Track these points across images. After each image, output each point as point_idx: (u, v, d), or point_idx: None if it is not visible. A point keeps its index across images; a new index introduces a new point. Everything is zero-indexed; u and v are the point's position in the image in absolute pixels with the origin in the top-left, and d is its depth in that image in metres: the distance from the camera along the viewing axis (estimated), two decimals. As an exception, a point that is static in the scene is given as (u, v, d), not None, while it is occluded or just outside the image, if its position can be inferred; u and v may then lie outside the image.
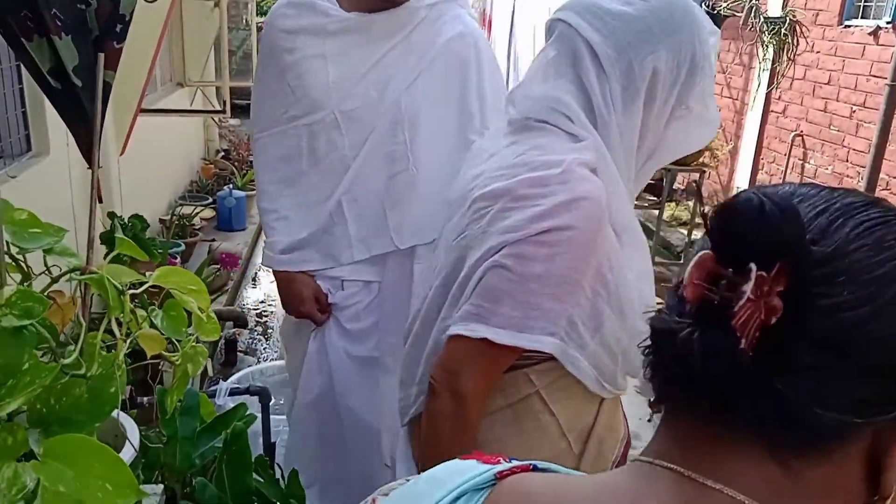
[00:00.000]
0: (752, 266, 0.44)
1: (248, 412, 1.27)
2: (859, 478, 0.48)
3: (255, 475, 1.32)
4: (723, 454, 0.48)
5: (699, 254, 0.47)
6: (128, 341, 0.85)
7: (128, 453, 0.97)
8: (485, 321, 1.10)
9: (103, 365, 0.81)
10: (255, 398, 2.17)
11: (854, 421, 0.46)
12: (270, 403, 2.14)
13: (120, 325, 0.84)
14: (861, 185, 4.45)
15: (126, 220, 2.33)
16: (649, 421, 3.12)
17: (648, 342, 0.51)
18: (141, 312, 0.97)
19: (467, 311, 1.12)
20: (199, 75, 5.65)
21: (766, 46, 5.83)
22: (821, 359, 0.45)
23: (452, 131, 1.75)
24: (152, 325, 0.98)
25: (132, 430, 1.01)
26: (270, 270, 1.96)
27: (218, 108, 5.10)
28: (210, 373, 3.33)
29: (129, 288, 0.87)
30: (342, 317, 1.85)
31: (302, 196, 1.80)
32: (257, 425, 2.09)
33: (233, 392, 2.14)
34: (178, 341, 1.00)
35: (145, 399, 2.03)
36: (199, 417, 1.21)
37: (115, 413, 1.05)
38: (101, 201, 3.18)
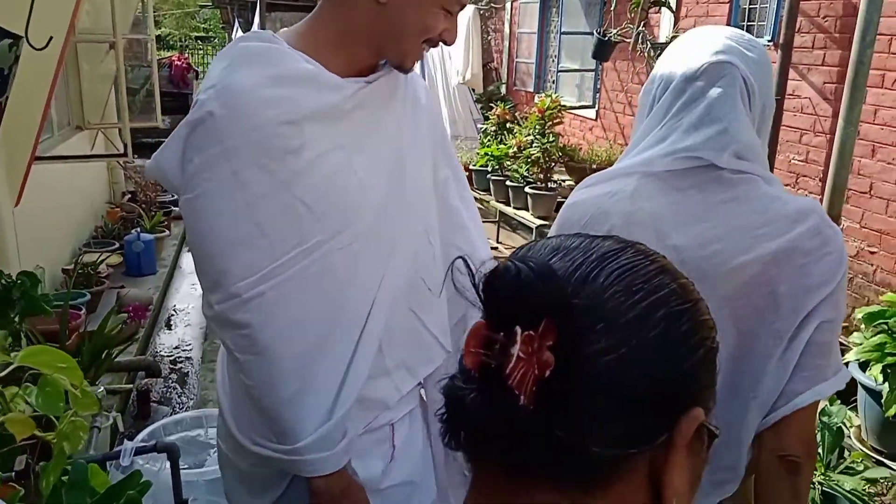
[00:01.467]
0: (517, 329, 0.48)
1: (143, 479, 1.23)
2: (645, 499, 0.53)
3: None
4: (524, 501, 0.52)
5: (473, 324, 0.51)
6: (-9, 428, 0.81)
7: (4, 541, 0.93)
8: (823, 379, 1.13)
9: (-34, 455, 0.78)
10: (165, 454, 2.11)
11: (630, 452, 0.51)
12: (180, 459, 2.07)
13: (-18, 412, 0.80)
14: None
15: (14, 279, 2.23)
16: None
17: (443, 409, 0.54)
18: (14, 390, 0.93)
19: (806, 378, 1.13)
20: (100, 117, 5.48)
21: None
22: (593, 401, 0.50)
23: (443, 199, 1.43)
24: (27, 404, 0.95)
25: (6, 517, 0.97)
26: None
27: (119, 150, 4.95)
28: (121, 428, 3.20)
29: (-5, 370, 0.84)
30: (401, 472, 1.38)
31: (331, 356, 1.23)
32: (169, 482, 2.02)
33: (139, 451, 2.07)
34: (56, 417, 0.96)
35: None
36: (89, 490, 1.16)
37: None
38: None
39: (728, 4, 5.51)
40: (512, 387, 0.48)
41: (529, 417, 0.48)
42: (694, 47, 1.24)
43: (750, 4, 5.39)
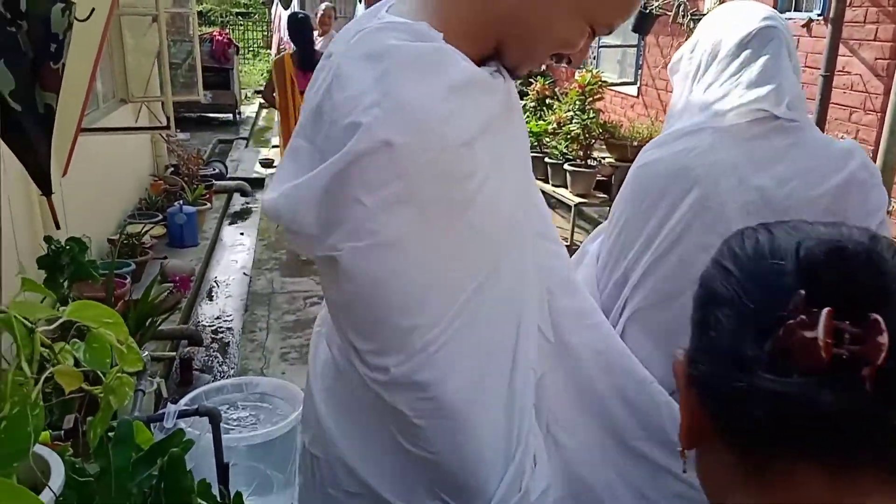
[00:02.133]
0: (878, 318, 0.46)
1: (185, 437, 1.26)
2: None
3: (200, 501, 1.31)
4: (852, 499, 0.50)
5: (824, 311, 0.48)
6: (41, 378, 0.84)
7: (54, 486, 0.96)
8: None
9: (18, 404, 0.80)
10: (207, 419, 2.16)
11: None
12: (221, 424, 2.12)
13: (32, 363, 0.83)
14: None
15: (63, 244, 2.30)
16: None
17: (760, 408, 0.51)
18: (61, 345, 0.96)
19: None
20: (143, 90, 5.56)
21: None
22: None
23: None
24: (75, 359, 0.97)
25: (56, 467, 1.01)
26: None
27: (163, 123, 5.03)
28: (165, 394, 3.29)
29: (45, 324, 0.87)
30: (539, 480, 1.13)
31: (493, 395, 1.05)
32: (210, 447, 2.08)
33: (182, 414, 2.12)
34: (104, 374, 0.99)
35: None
36: (135, 446, 1.20)
37: (41, 450, 1.04)
38: (57, 227, 3.10)
39: (777, -23, 5.35)
40: (864, 377, 0.46)
41: (873, 408, 0.47)
42: (738, 16, 1.41)
43: (800, -23, 5.24)
